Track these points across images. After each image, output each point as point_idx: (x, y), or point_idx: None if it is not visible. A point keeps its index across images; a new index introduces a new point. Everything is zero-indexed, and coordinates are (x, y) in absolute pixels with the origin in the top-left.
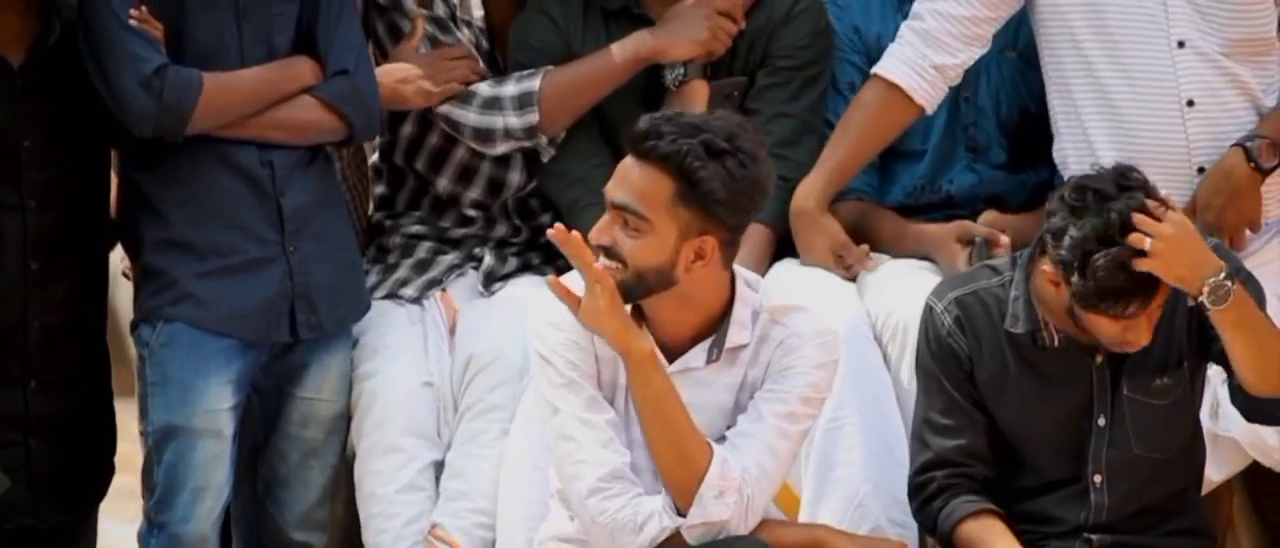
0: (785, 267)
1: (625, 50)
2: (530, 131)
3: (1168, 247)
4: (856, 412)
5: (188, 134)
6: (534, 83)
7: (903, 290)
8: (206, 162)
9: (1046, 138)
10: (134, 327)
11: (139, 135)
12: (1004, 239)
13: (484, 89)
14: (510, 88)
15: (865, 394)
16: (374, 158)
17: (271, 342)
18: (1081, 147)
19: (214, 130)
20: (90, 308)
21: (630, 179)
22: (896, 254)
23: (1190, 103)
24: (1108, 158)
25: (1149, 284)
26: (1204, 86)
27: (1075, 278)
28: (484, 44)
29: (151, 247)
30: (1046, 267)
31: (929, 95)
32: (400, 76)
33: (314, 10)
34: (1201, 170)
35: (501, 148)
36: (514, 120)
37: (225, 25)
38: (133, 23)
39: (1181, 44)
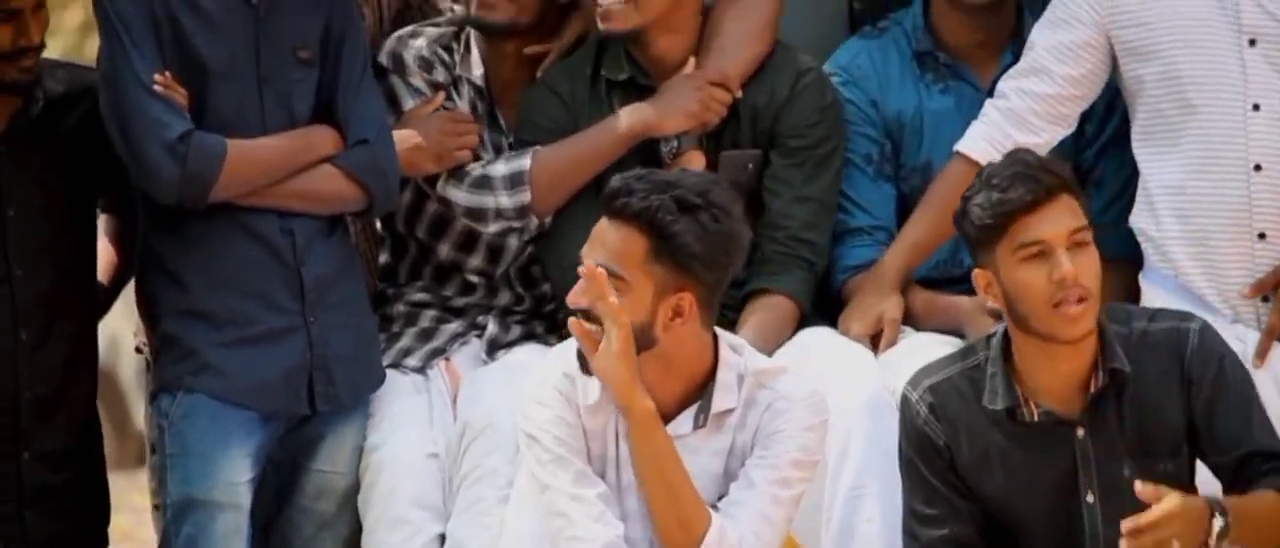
0: (813, 333)
1: (617, 127)
2: (521, 212)
3: (1178, 529)
4: (877, 480)
5: (212, 200)
6: (524, 162)
7: (922, 364)
8: (227, 230)
9: None
10: (153, 397)
11: (162, 202)
12: None
13: (475, 168)
14: (501, 167)
15: (886, 464)
16: (376, 225)
17: (290, 413)
18: (1143, 209)
19: (236, 198)
20: (82, 376)
21: (605, 239)
22: (923, 327)
23: (1258, 167)
24: (1169, 223)
25: (1030, 177)
26: (1274, 151)
27: (968, 226)
28: (482, 104)
29: (171, 316)
30: (975, 275)
31: None
32: (413, 142)
33: (334, 78)
34: (1262, 236)
35: (494, 227)
36: (505, 200)
37: (247, 93)
38: (158, 89)
39: (1257, 107)
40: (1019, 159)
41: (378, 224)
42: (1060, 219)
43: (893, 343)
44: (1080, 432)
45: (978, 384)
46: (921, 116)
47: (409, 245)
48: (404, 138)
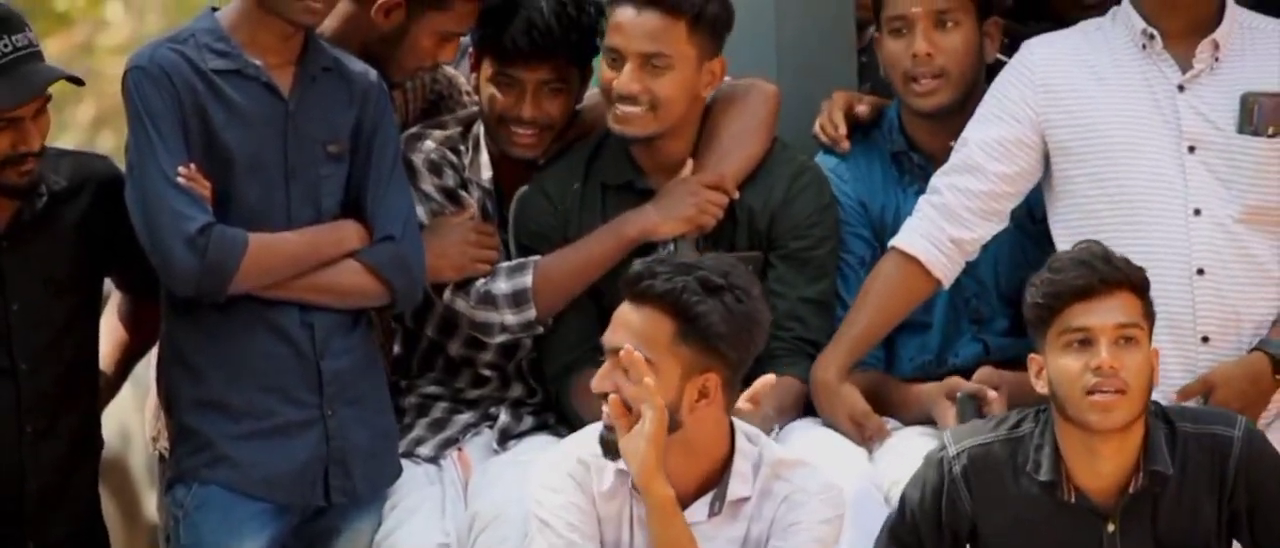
0: (804, 424)
1: (615, 233)
2: (527, 326)
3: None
4: None
5: (230, 294)
6: (526, 279)
7: (911, 457)
8: (247, 322)
9: None
10: (168, 487)
11: (181, 294)
12: (992, 394)
13: (480, 283)
14: (503, 284)
15: None
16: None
17: (304, 506)
18: None
19: (257, 291)
20: (86, 464)
21: (629, 323)
22: (905, 421)
23: (1200, 271)
24: None
25: (1090, 265)
26: (1215, 255)
27: (1026, 308)
28: (492, 206)
29: (188, 406)
30: (1029, 360)
31: (947, 269)
32: (439, 250)
33: (364, 173)
34: (1206, 339)
35: (500, 340)
36: (510, 318)
37: (273, 186)
38: (181, 181)
39: (1197, 212)
40: (1087, 249)
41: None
42: (1111, 312)
43: (883, 432)
44: (1110, 527)
45: (1017, 453)
46: (898, 216)
47: (421, 339)
48: (428, 244)
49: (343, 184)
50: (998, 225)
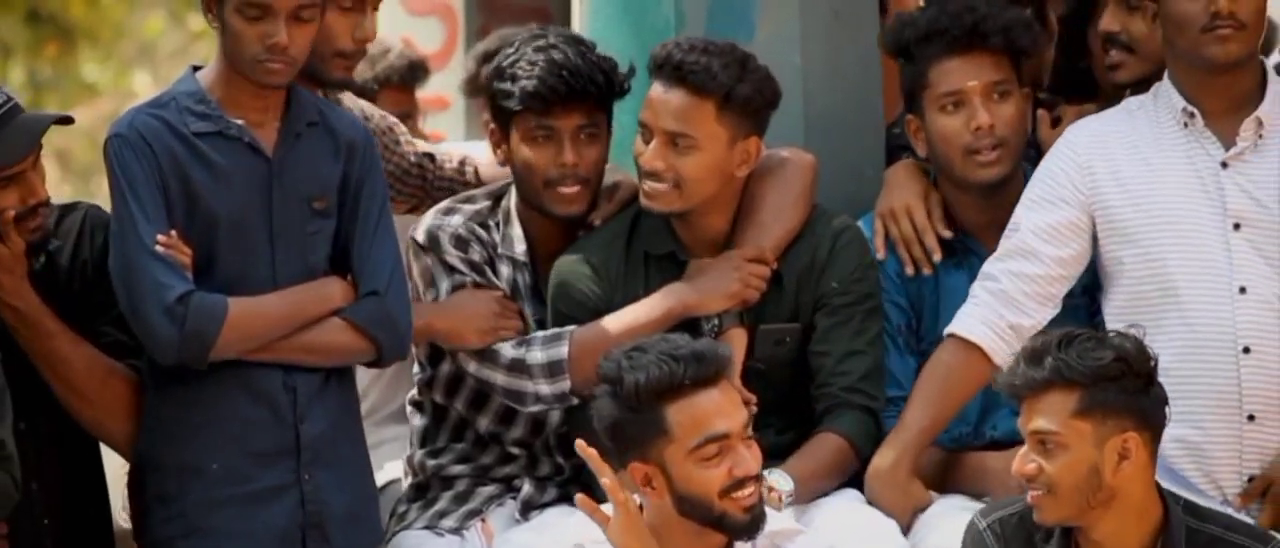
0: (841, 496)
1: (658, 307)
2: (562, 398)
3: None
4: None
5: (213, 360)
6: (562, 349)
7: (953, 529)
8: (228, 386)
9: None
10: None
11: (162, 363)
12: None
13: (507, 350)
14: (539, 353)
15: None
16: (413, 391)
17: None
18: None
19: (241, 356)
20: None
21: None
22: (946, 490)
23: (1246, 350)
24: None
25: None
26: (1261, 334)
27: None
28: (526, 279)
29: (164, 471)
30: None
31: (1006, 356)
32: (464, 315)
33: (350, 227)
34: (1252, 418)
35: (533, 410)
36: (545, 388)
37: (258, 246)
38: (159, 249)
39: (1243, 290)
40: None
41: (414, 390)
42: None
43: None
44: None
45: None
46: (938, 292)
47: (449, 412)
48: (453, 309)
49: (330, 239)
50: (1053, 310)
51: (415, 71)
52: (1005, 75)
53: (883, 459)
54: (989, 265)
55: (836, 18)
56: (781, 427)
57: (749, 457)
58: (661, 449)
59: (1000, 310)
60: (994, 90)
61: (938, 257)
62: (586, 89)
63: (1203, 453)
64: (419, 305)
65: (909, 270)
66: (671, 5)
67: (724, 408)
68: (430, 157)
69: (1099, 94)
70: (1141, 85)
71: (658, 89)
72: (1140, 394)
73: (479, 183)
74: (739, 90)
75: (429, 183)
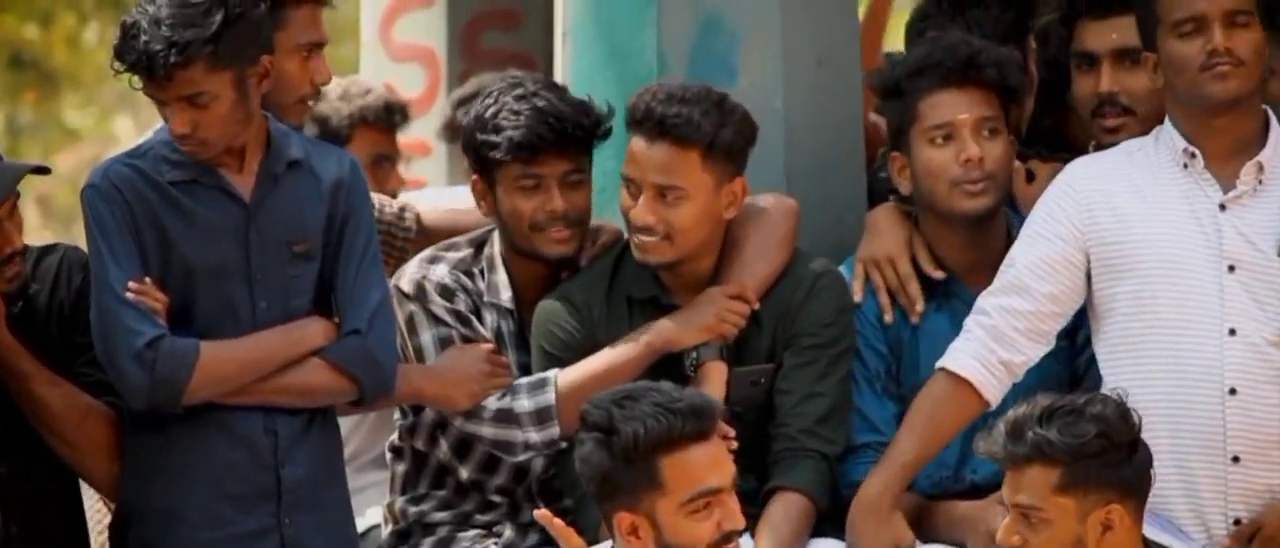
0: (824, 545)
1: (638, 344)
2: (551, 443)
3: None
4: None
5: (188, 404)
6: (549, 396)
7: None
8: (208, 430)
9: None
10: None
11: (135, 408)
12: None
13: (492, 402)
14: (526, 402)
15: None
16: (393, 437)
17: None
18: None
19: (218, 399)
20: None
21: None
22: (927, 540)
23: (1233, 391)
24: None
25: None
26: (1248, 376)
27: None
28: (511, 326)
29: (146, 515)
30: None
31: (996, 391)
32: (452, 379)
33: (334, 266)
34: (1236, 459)
35: (523, 457)
36: (534, 436)
37: (236, 292)
38: (130, 296)
39: (1233, 332)
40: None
41: (395, 435)
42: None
43: None
44: None
45: None
46: (918, 336)
47: (430, 459)
48: (442, 372)
49: (313, 282)
50: (1045, 347)
51: (392, 113)
52: (995, 112)
53: (869, 489)
54: (982, 300)
55: (819, 64)
56: (758, 471)
57: (736, 511)
58: (653, 501)
59: (991, 345)
60: (984, 126)
61: (920, 306)
62: (572, 135)
63: (1189, 493)
64: (407, 368)
65: (888, 317)
66: (654, 51)
67: (717, 462)
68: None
69: (1072, 152)
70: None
71: (640, 143)
72: (1123, 465)
73: (420, 229)
74: (722, 136)
75: None
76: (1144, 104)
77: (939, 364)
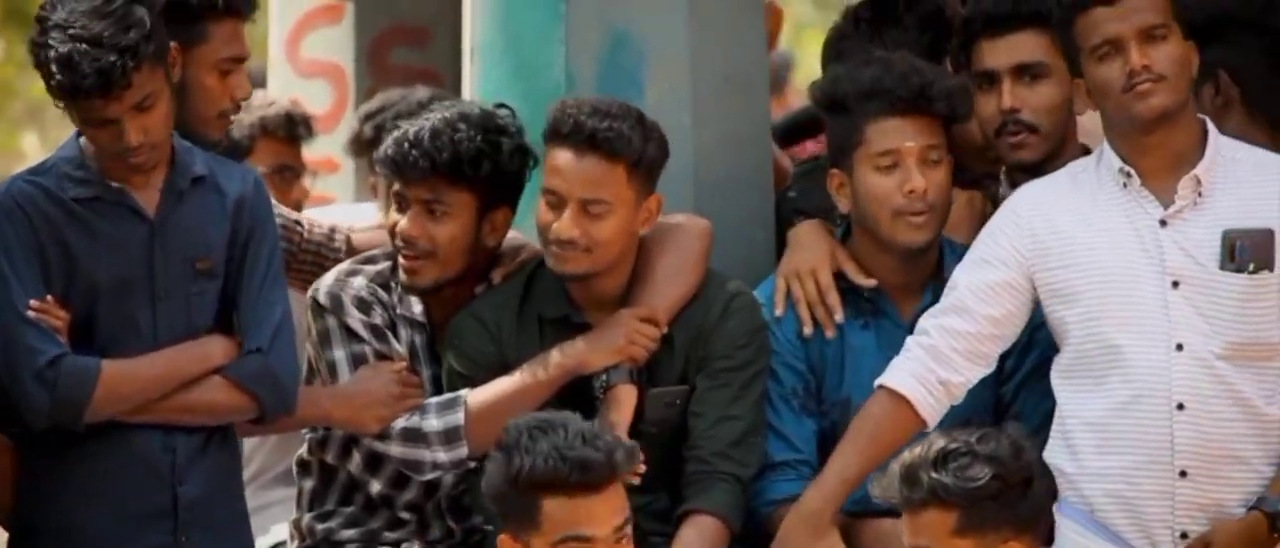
0: None
1: (546, 366)
2: (459, 463)
3: None
4: None
5: (89, 422)
6: (458, 416)
7: None
8: (105, 447)
9: None
10: None
11: (36, 428)
12: None
13: (398, 422)
14: (434, 421)
15: None
16: (302, 450)
17: None
18: (1058, 444)
19: (119, 417)
20: None
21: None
22: None
23: (1181, 406)
24: (1089, 459)
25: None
26: (1196, 391)
27: None
28: (423, 340)
29: (39, 534)
30: None
31: (934, 411)
32: (363, 402)
33: (237, 286)
34: (1184, 474)
35: (431, 476)
36: (442, 456)
37: (140, 308)
38: (31, 315)
39: (1180, 347)
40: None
41: (304, 448)
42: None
43: None
44: None
45: None
46: (842, 352)
47: (337, 475)
48: (350, 396)
49: (216, 299)
50: (985, 369)
51: (294, 124)
52: (940, 141)
53: (809, 503)
54: (924, 320)
55: (727, 81)
56: (672, 492)
57: None
58: (529, 534)
59: (931, 365)
60: (929, 154)
61: (839, 317)
62: (431, 168)
63: (1136, 508)
64: (315, 391)
65: (808, 330)
66: (562, 68)
67: (598, 515)
68: (298, 223)
69: (970, 180)
70: (1037, 167)
71: (566, 156)
72: (1019, 502)
73: (350, 252)
74: (648, 151)
75: (295, 250)
76: (1047, 120)
77: (879, 382)
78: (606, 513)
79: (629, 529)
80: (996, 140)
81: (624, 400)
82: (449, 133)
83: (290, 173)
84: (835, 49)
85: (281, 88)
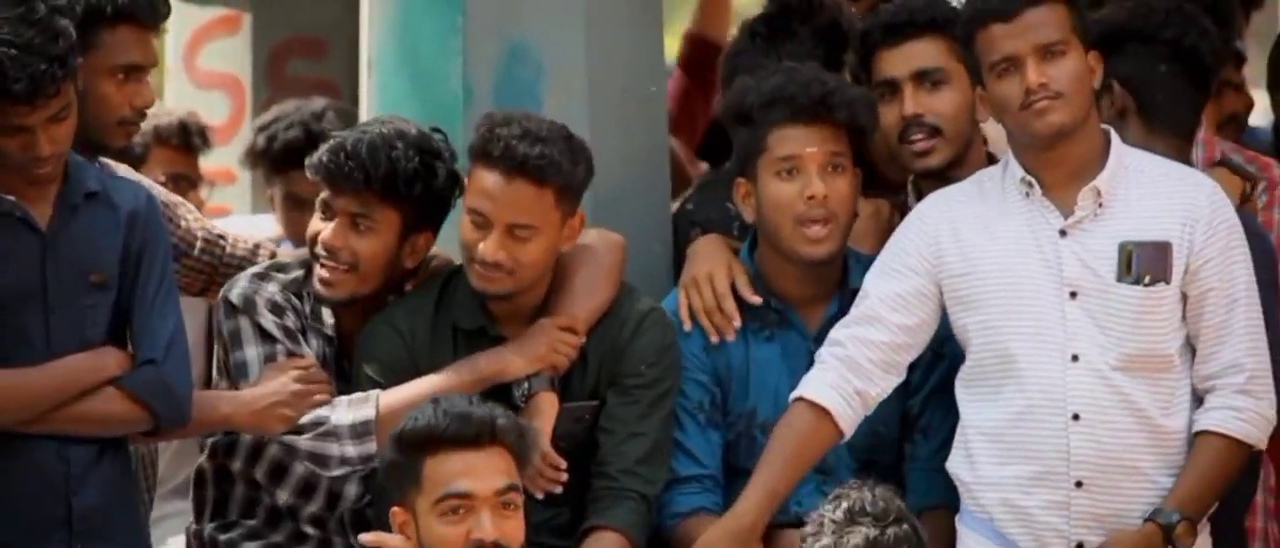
0: None
1: (467, 371)
2: (368, 459)
3: None
4: None
5: None
6: (369, 411)
7: None
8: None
9: (896, 458)
10: None
11: None
12: None
13: (307, 416)
14: (345, 415)
15: None
16: (201, 459)
17: None
18: (959, 454)
19: (11, 428)
20: None
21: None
22: None
23: (1076, 416)
24: (987, 468)
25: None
26: (1091, 401)
27: None
28: (331, 352)
29: None
30: None
31: (852, 422)
32: (266, 404)
33: (130, 296)
34: (1079, 484)
35: (337, 473)
36: (351, 450)
37: (33, 320)
38: None
39: (1075, 358)
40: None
41: (205, 455)
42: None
43: None
44: None
45: None
46: (748, 363)
47: (237, 488)
48: (252, 400)
49: (109, 312)
50: (897, 378)
51: (189, 133)
52: (842, 148)
53: (744, 518)
54: (836, 331)
55: (624, 92)
56: (577, 506)
57: (492, 525)
58: (414, 498)
59: (847, 375)
60: (831, 162)
61: (737, 323)
62: (360, 181)
63: (1031, 518)
64: (216, 397)
65: (714, 338)
66: (459, 79)
67: (476, 469)
68: (222, 237)
69: (884, 187)
70: (943, 174)
71: (494, 179)
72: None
73: None
74: (577, 174)
75: (218, 264)
76: (950, 124)
77: (796, 394)
78: (487, 471)
79: (517, 498)
80: (900, 147)
81: (546, 408)
82: (387, 149)
83: (185, 182)
84: (732, 64)
85: (178, 99)
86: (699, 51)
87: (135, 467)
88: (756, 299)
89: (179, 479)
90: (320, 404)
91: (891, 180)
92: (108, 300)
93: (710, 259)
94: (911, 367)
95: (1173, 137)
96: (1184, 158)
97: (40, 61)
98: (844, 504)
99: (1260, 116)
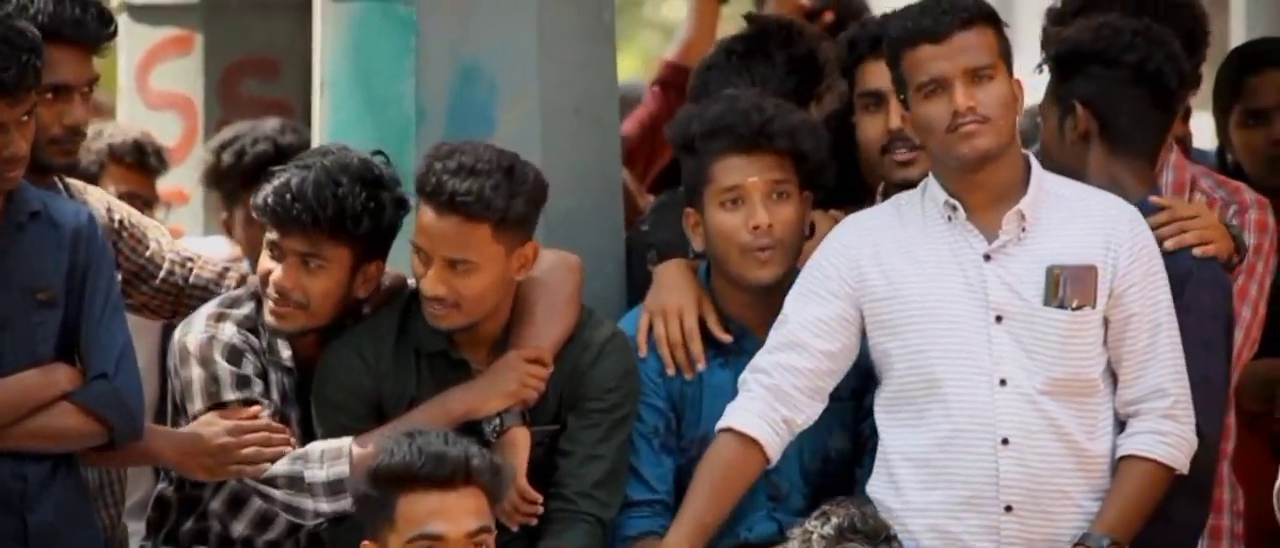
0: None
1: (439, 410)
2: (343, 515)
3: None
4: None
5: None
6: (343, 468)
7: None
8: None
9: (847, 482)
10: None
11: None
12: None
13: (283, 466)
14: (320, 472)
15: None
16: (163, 486)
17: None
18: (882, 480)
19: None
20: None
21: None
22: None
23: (1005, 441)
24: (913, 494)
25: None
26: (1020, 425)
27: None
28: (290, 383)
29: None
30: None
31: (778, 449)
32: (191, 451)
33: (77, 314)
34: (1009, 509)
35: (311, 524)
36: (325, 506)
37: None
38: None
39: (1003, 383)
40: None
41: (163, 483)
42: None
43: None
44: None
45: None
46: (701, 390)
47: (192, 510)
48: (182, 442)
49: (57, 330)
50: (821, 404)
51: (143, 152)
52: (786, 176)
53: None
54: (760, 359)
55: (577, 114)
56: (531, 532)
57: None
58: (387, 534)
59: (774, 404)
60: (774, 190)
61: (701, 365)
62: (310, 222)
63: (961, 543)
64: (151, 430)
65: (670, 371)
66: (412, 101)
67: (450, 511)
68: (190, 259)
69: (864, 195)
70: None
71: (429, 215)
72: None
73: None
74: (514, 207)
75: (185, 286)
76: None
77: (723, 424)
78: (460, 513)
79: (489, 539)
80: (882, 159)
81: (519, 444)
82: (332, 188)
83: (140, 202)
84: (702, 78)
85: (131, 119)
86: (681, 78)
87: (102, 485)
88: (727, 337)
89: (131, 501)
90: (271, 457)
91: (873, 187)
92: (56, 318)
93: (680, 292)
94: (862, 391)
95: (1136, 159)
96: (1149, 181)
97: (21, 52)
98: (833, 520)
99: (1204, 140)
